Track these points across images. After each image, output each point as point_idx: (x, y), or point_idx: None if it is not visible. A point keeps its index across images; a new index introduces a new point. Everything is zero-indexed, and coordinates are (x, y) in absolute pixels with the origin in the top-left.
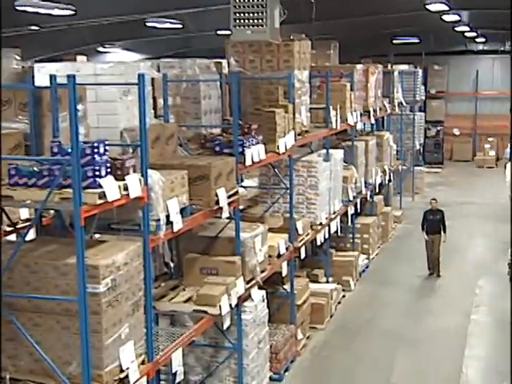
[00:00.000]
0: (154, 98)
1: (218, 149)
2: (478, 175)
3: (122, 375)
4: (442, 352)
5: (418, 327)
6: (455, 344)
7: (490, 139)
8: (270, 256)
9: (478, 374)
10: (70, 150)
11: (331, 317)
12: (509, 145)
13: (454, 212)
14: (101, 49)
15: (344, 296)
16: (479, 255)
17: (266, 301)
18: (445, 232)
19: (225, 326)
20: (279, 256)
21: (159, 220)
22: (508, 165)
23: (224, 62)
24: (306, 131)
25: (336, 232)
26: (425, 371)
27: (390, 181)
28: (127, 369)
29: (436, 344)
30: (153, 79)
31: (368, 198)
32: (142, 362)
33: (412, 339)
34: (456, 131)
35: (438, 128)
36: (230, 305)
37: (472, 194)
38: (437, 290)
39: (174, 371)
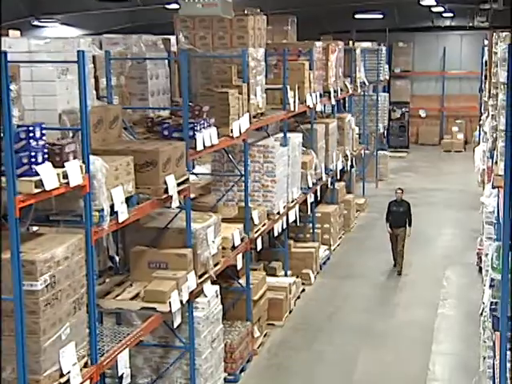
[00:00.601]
0: (96, 78)
1: (166, 133)
2: (446, 160)
3: (63, 380)
4: (408, 348)
5: (383, 322)
6: (421, 339)
7: (458, 121)
8: (223, 248)
9: (445, 371)
10: (1, 135)
11: (290, 313)
12: (478, 127)
13: (421, 199)
14: (37, 23)
15: (304, 290)
16: (447, 245)
17: (219, 296)
18: (410, 225)
19: (175, 324)
20: (234, 248)
21: (102, 210)
22: (477, 149)
23: (172, 38)
24: (262, 113)
25: (295, 222)
26: (390, 369)
27: (352, 166)
28: (68, 373)
29: (401, 340)
30: (94, 57)
31: (329, 185)
32: (85, 365)
33: (376, 335)
34: (422, 113)
35: (403, 110)
36: (181, 301)
37: (439, 180)
38: (402, 283)
39: (120, 374)
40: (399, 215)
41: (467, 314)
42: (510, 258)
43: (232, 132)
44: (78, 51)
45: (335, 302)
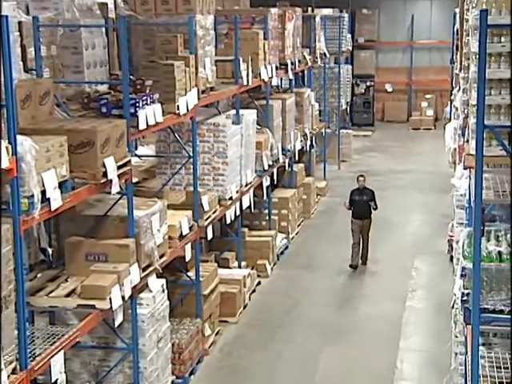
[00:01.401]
0: (23, 48)
1: (104, 110)
2: (415, 139)
3: None
4: (374, 344)
5: (346, 317)
6: (389, 335)
7: (427, 96)
8: (170, 238)
9: (414, 369)
10: None
11: (245, 308)
12: (449, 103)
13: (388, 182)
14: None
15: (259, 283)
16: (416, 232)
17: (166, 291)
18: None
19: (116, 323)
20: (181, 237)
21: (32, 197)
22: (448, 126)
23: (110, 3)
24: (212, 88)
25: (249, 208)
26: (354, 367)
27: (311, 147)
28: None
29: (367, 335)
30: (20, 23)
31: (286, 168)
32: (13, 371)
33: (339, 331)
34: (388, 87)
35: (368, 84)
36: (123, 297)
37: (408, 160)
38: (367, 274)
39: (54, 380)
40: (363, 205)
41: (438, 306)
42: (481, 245)
43: (178, 109)
44: (0, 16)
45: (294, 296)
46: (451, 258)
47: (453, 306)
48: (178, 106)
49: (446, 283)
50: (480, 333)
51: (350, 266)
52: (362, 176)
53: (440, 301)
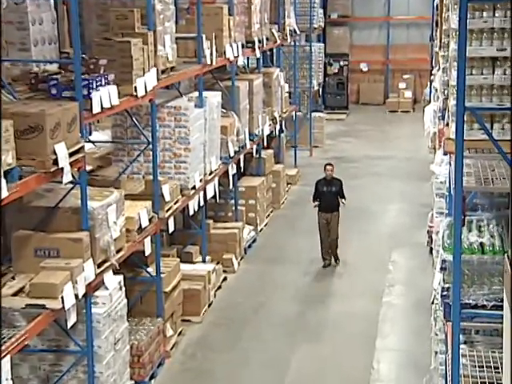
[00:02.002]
0: None
1: (54, 91)
2: (392, 122)
3: None
4: (349, 344)
5: (319, 315)
6: (364, 333)
7: (405, 76)
8: (128, 231)
9: (391, 370)
10: None
11: (209, 306)
12: (428, 83)
13: (363, 169)
14: None
15: (226, 279)
16: (394, 222)
17: (123, 289)
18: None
19: (69, 324)
20: (140, 230)
21: None
22: (427, 108)
23: None
24: (172, 68)
25: (214, 198)
26: (328, 368)
27: (281, 131)
28: None
29: (341, 335)
30: None
31: (254, 154)
32: None
33: (312, 330)
34: (364, 67)
35: (342, 63)
36: (76, 295)
37: (385, 146)
38: (340, 268)
39: None
40: (331, 197)
41: (417, 302)
42: (462, 236)
43: (136, 90)
44: None
45: (263, 292)
46: (431, 250)
47: (433, 302)
48: (135, 87)
49: (426, 277)
50: (461, 330)
51: (324, 266)
52: (329, 165)
53: (419, 296)
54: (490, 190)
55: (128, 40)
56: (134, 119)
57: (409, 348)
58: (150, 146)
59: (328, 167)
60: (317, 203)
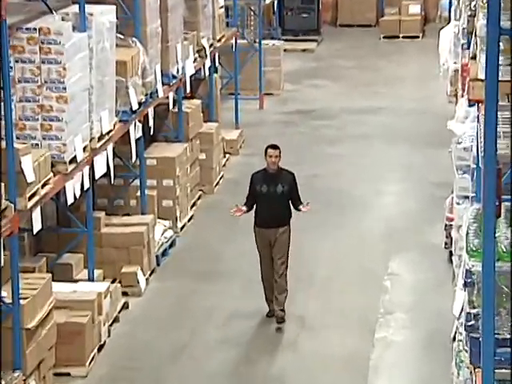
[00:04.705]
0: None
1: None
2: (390, 54)
3: None
4: None
5: (277, 361)
6: None
7: None
8: None
9: None
10: None
11: (101, 350)
12: None
13: (344, 130)
14: None
15: (127, 306)
16: (392, 213)
17: None
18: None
19: None
20: None
21: None
22: (444, 31)
23: None
24: None
25: (107, 176)
26: None
27: (214, 70)
28: None
29: None
30: None
31: (170, 107)
32: None
33: None
34: None
35: None
36: None
37: (377, 92)
38: (311, 285)
39: None
40: (275, 202)
41: (429, 339)
42: (498, 233)
43: None
44: None
45: (185, 327)
46: (450, 255)
47: (454, 338)
48: None
49: (443, 299)
50: (498, 382)
51: (268, 315)
52: (273, 147)
53: (432, 329)
54: None
55: None
56: None
57: None
58: (1, 92)
59: (271, 151)
60: (244, 208)
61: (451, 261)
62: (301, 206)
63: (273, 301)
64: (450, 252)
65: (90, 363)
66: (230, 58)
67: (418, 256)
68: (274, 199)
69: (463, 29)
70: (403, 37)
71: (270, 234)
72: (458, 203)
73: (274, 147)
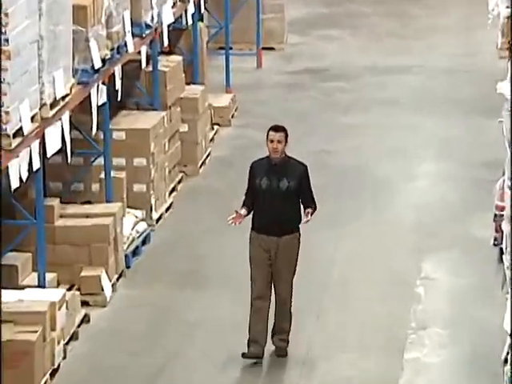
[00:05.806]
0: None
1: None
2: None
3: None
4: None
5: None
6: None
7: None
8: None
9: None
10: None
11: (54, 375)
12: None
13: (364, 94)
14: None
15: (88, 319)
16: (426, 200)
17: None
18: (313, 208)
19: None
20: None
21: None
22: None
23: None
24: None
25: (62, 153)
26: None
27: (198, 18)
28: None
29: None
30: None
31: (143, 65)
32: None
33: None
34: None
35: None
36: None
37: (407, 47)
38: (322, 292)
39: None
40: (277, 201)
41: (473, 360)
42: None
43: None
44: None
45: (163, 345)
46: (501, 253)
47: (506, 360)
48: None
49: (492, 310)
50: None
51: (245, 355)
52: (275, 129)
53: (477, 347)
54: None
55: None
56: None
57: None
58: None
59: (272, 134)
60: (244, 212)
61: (502, 261)
62: (308, 209)
63: (258, 341)
64: (501, 250)
65: None
66: (220, 2)
67: (458, 255)
68: (276, 197)
69: None
70: None
71: (269, 243)
72: (510, 188)
73: (277, 129)
